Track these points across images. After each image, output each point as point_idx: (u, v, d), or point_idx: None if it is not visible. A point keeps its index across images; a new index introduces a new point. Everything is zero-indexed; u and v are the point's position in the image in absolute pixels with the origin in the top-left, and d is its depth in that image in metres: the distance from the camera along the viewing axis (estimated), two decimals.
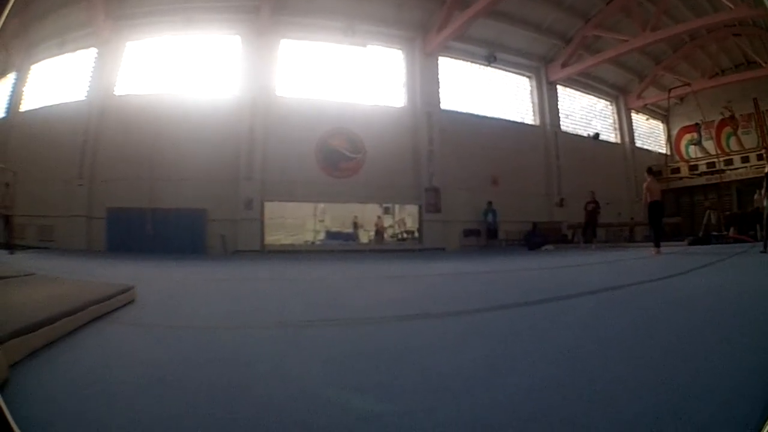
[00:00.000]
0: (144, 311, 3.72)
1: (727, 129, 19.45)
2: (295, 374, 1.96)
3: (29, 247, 11.66)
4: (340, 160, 13.41)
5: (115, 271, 7.69)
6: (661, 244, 9.85)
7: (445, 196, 13.67)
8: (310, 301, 4.50)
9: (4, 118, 13.70)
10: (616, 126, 17.69)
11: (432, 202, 13.56)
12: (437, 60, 14.47)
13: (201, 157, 12.84)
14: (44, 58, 14.22)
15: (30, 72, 14.26)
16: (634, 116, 18.54)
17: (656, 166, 19.23)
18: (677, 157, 20.01)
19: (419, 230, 13.64)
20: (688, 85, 17.85)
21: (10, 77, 14.34)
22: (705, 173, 19.48)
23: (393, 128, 13.65)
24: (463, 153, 13.76)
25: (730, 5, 12.69)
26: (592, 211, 13.00)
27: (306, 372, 1.99)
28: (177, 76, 13.62)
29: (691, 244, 12.38)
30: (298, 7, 13.65)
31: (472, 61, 14.96)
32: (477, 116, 14.68)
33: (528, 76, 15.77)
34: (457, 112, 14.51)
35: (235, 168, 13.07)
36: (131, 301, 3.91)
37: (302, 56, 13.92)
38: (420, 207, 13.46)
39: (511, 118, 15.31)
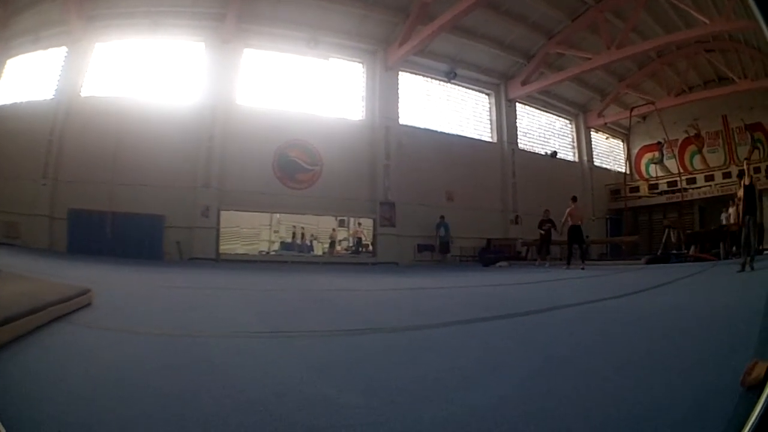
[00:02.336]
0: (100, 315, 3.74)
1: (692, 147, 19.73)
2: (244, 384, 2.04)
3: None
4: (297, 171, 13.51)
5: (74, 273, 7.67)
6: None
7: (400, 211, 13.84)
8: (263, 311, 4.59)
9: None
10: (575, 144, 17.98)
11: (387, 216, 13.72)
12: (398, 74, 14.61)
13: (161, 163, 12.86)
14: (19, 54, 14.10)
15: (5, 67, 14.14)
16: (594, 135, 18.85)
17: (613, 185, 19.80)
18: (636, 176, 20.42)
19: (373, 244, 13.78)
20: (652, 103, 17.92)
21: None
22: (665, 192, 19.74)
23: (351, 141, 13.77)
24: (420, 168, 13.94)
25: (705, 20, 12.67)
26: (547, 230, 13.18)
27: (257, 382, 2.08)
28: (142, 80, 13.63)
29: (648, 262, 12.43)
30: (263, 16, 13.70)
31: (432, 77, 15.13)
32: (435, 132, 14.87)
33: (487, 93, 15.99)
34: (415, 127, 14.68)
35: (194, 175, 13.09)
36: (88, 304, 3.95)
37: (265, 66, 13.98)
38: (375, 221, 13.60)
39: (469, 135, 15.49)
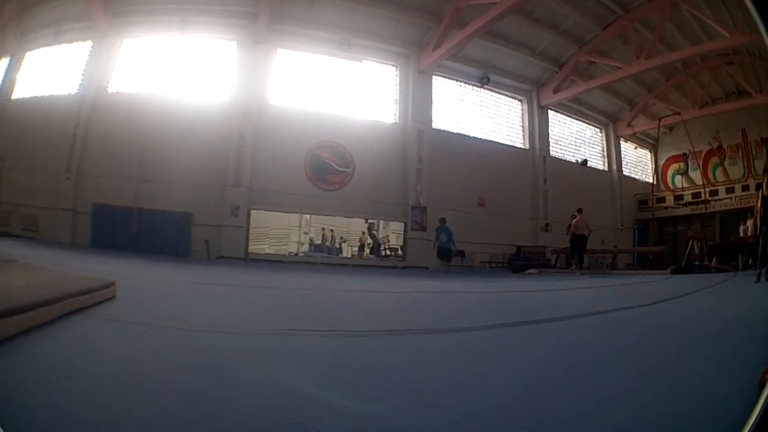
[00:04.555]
0: (124, 308, 3.61)
1: (714, 159, 19.55)
2: (274, 382, 1.92)
3: (11, 235, 11.60)
4: (328, 173, 13.42)
5: (98, 267, 7.59)
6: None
7: (430, 215, 13.70)
8: (293, 311, 4.47)
9: None
10: (605, 153, 17.82)
11: (418, 220, 13.59)
12: (431, 78, 14.52)
13: (190, 161, 12.81)
14: (39, 47, 14.14)
15: (24, 59, 14.17)
16: (623, 144, 18.68)
17: (641, 195, 19.63)
18: (663, 187, 20.22)
19: (403, 247, 13.65)
20: (678, 114, 17.86)
21: (3, 62, 14.25)
22: (690, 203, 19.60)
23: (383, 144, 13.68)
24: (452, 173, 13.81)
25: (726, 33, 12.62)
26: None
27: (286, 380, 1.94)
28: (171, 77, 13.60)
29: (673, 273, 12.45)
30: (296, 18, 13.68)
31: (465, 82, 15.03)
32: (468, 137, 14.74)
33: (520, 100, 15.87)
34: (448, 132, 14.57)
35: (224, 174, 13.04)
36: (112, 297, 3.83)
37: (297, 66, 13.92)
38: (405, 224, 13.46)
39: (502, 141, 15.36)
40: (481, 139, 14.93)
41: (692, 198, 19.45)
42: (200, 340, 2.76)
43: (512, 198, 14.82)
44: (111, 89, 13.71)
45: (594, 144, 17.75)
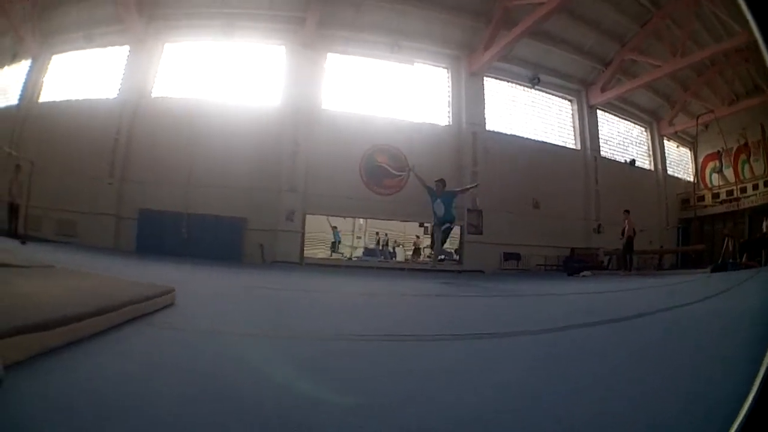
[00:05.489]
0: (186, 315, 3.38)
1: (742, 156, 19.49)
2: (363, 391, 1.74)
3: (46, 240, 11.49)
4: (384, 177, 13.31)
5: (149, 272, 7.46)
6: None
7: (486, 218, 13.58)
8: (360, 315, 4.34)
9: (16, 106, 13.53)
10: (650, 152, 17.70)
11: (474, 223, 13.47)
12: (482, 80, 14.39)
13: (242, 166, 12.74)
14: (67, 50, 14.04)
15: (50, 62, 14.09)
16: (666, 143, 18.57)
17: (684, 194, 19.51)
18: (702, 185, 20.10)
19: (459, 251, 13.51)
20: (712, 111, 17.83)
21: (24, 64, 14.15)
22: (724, 201, 19.54)
23: (438, 147, 13.51)
24: (506, 175, 13.66)
25: (739, 30, 12.29)
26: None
27: (378, 388, 1.79)
28: (218, 82, 13.52)
29: (713, 271, 12.56)
30: (344, 21, 13.61)
31: (516, 83, 14.90)
32: (520, 138, 14.61)
33: (569, 100, 15.74)
34: (501, 133, 14.42)
35: (277, 179, 12.95)
36: (171, 304, 3.59)
37: (349, 70, 13.82)
38: (462, 228, 13.32)
39: (553, 141, 15.24)
40: (534, 140, 14.79)
41: (726, 196, 19.41)
42: (273, 346, 2.55)
43: (565, 199, 14.65)
44: (155, 94, 13.63)
45: (640, 143, 17.62)
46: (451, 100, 14.23)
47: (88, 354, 2.02)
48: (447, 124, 14.18)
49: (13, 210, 10.50)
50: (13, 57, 14.12)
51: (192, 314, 3.53)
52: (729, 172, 19.57)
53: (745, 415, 0.89)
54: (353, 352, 2.54)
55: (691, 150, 20.16)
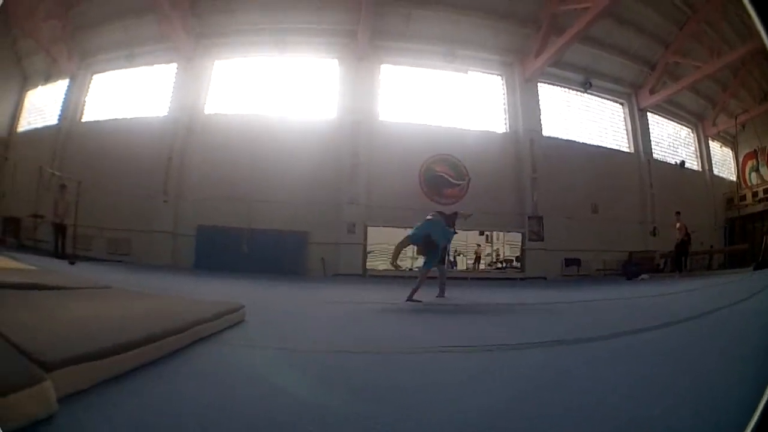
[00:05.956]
0: (258, 332, 3.37)
1: None
2: (461, 405, 1.74)
3: (96, 259, 11.48)
4: (444, 186, 13.29)
5: (211, 289, 7.42)
6: None
7: (547, 224, 13.54)
8: (436, 327, 4.27)
9: (56, 126, 13.56)
10: (698, 154, 17.69)
11: (535, 230, 13.43)
12: (536, 86, 14.41)
13: (301, 180, 12.73)
14: (109, 69, 14.07)
15: (90, 82, 14.11)
16: (711, 143, 18.56)
17: (728, 194, 19.47)
18: (743, 185, 20.05)
19: (521, 258, 13.47)
20: (747, 111, 17.94)
21: (61, 84, 14.19)
22: (762, 199, 19.50)
23: (496, 154, 13.56)
24: (564, 180, 13.64)
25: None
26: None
27: (475, 401, 1.79)
28: (273, 97, 13.54)
29: (755, 269, 12.44)
30: (395, 32, 13.70)
31: (569, 88, 14.91)
32: (576, 143, 14.59)
33: (621, 103, 15.74)
34: (558, 139, 14.41)
35: (337, 191, 12.96)
36: (241, 321, 3.60)
37: (404, 81, 13.86)
38: (523, 235, 13.30)
39: (607, 145, 15.23)
40: (589, 144, 14.78)
41: (763, 194, 19.36)
42: (350, 362, 2.52)
43: (622, 203, 14.63)
44: (208, 111, 13.66)
45: (688, 144, 17.60)
46: (507, 107, 14.22)
47: (161, 377, 1.96)
48: (504, 131, 14.16)
49: (59, 230, 10.50)
50: (47, 77, 14.18)
51: (264, 331, 3.53)
52: (765, 171, 19.55)
53: None
54: (448, 364, 2.50)
55: (732, 149, 20.11)
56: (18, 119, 13.92)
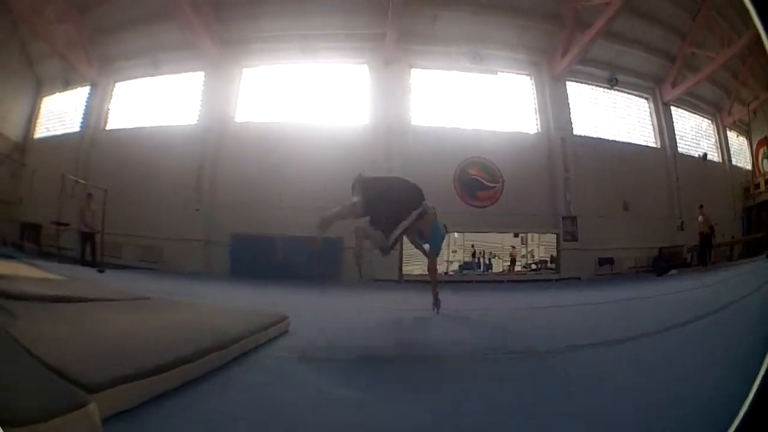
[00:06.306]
0: (305, 343, 3.32)
1: None
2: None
3: (125, 267, 11.48)
4: (478, 189, 13.29)
5: (251, 297, 7.42)
6: None
7: (581, 224, 13.62)
8: (486, 329, 4.30)
9: (79, 133, 13.41)
10: (717, 145, 17.81)
11: (569, 230, 13.50)
12: (565, 84, 14.39)
13: (334, 186, 12.60)
14: (132, 77, 13.90)
15: (113, 89, 13.93)
16: (728, 133, 18.69)
17: (745, 183, 19.65)
18: (758, 172, 20.21)
19: (556, 259, 13.56)
20: (757, 98, 18.04)
21: (81, 91, 13.99)
22: None
23: (528, 155, 13.57)
24: (596, 178, 13.73)
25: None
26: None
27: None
28: (304, 104, 13.42)
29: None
30: (422, 34, 13.62)
31: (596, 85, 14.91)
32: (606, 140, 14.63)
33: (645, 98, 15.78)
34: (588, 137, 14.43)
35: None
36: (285, 332, 3.56)
37: (434, 85, 13.79)
38: (557, 236, 13.38)
39: (635, 141, 15.29)
40: (618, 141, 14.83)
41: None
42: (408, 372, 2.53)
43: (650, 199, 14.74)
44: (239, 119, 13.53)
45: (708, 136, 17.71)
46: (537, 107, 14.21)
47: (208, 393, 1.93)
48: (536, 131, 14.15)
49: (86, 238, 10.47)
50: (66, 83, 13.95)
51: (310, 341, 3.46)
52: None
53: None
54: (503, 370, 2.51)
55: (747, 138, 20.27)
56: (34, 125, 13.69)
